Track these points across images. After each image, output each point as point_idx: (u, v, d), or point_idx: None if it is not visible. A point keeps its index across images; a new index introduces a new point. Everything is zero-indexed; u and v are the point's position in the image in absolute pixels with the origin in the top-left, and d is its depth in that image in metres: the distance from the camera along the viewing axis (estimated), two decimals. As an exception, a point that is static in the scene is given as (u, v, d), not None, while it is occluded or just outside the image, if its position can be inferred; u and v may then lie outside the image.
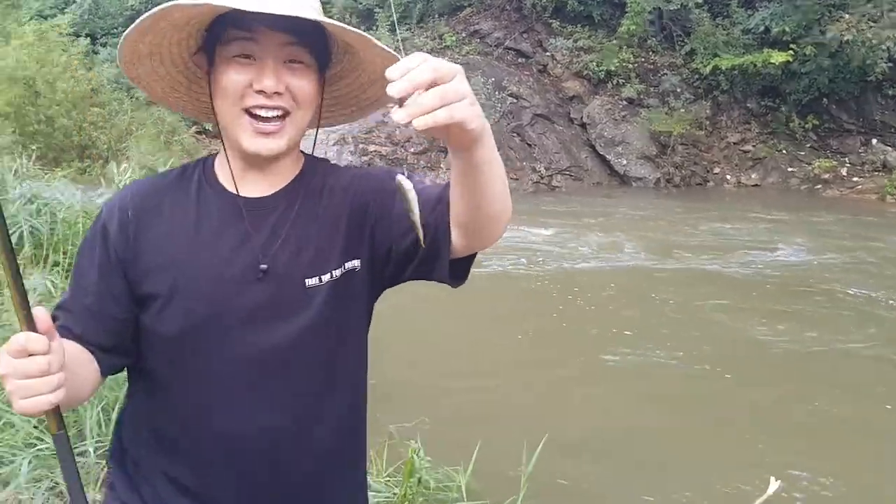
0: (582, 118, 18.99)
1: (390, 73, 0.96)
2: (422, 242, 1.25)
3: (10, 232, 4.91)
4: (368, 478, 3.86)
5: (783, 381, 6.45)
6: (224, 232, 1.37)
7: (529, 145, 18.27)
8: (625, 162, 18.22)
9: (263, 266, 1.35)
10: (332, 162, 1.58)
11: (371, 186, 1.43)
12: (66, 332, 1.29)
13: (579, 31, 20.17)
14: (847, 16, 17.01)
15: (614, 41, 19.56)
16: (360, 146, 16.36)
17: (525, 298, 9.12)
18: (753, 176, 18.45)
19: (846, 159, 18.42)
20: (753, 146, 18.79)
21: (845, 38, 16.58)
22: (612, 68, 19.09)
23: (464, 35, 20.69)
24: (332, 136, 16.35)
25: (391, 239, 1.38)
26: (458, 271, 1.38)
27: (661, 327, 7.67)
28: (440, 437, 4.81)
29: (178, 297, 1.34)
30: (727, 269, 10.30)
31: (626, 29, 19.05)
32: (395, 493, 3.66)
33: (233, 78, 1.31)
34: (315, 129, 1.48)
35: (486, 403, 5.79)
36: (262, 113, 1.31)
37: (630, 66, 19.37)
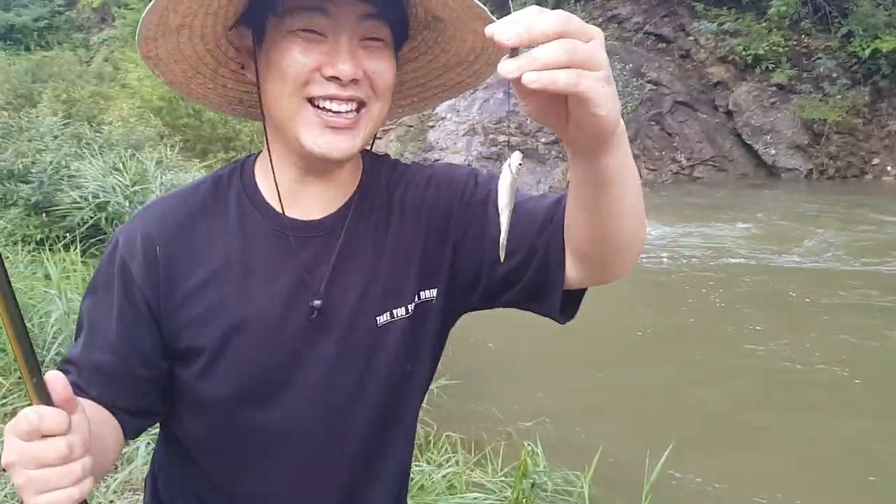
0: (727, 105, 18.14)
1: (495, 26, 0.72)
2: (502, 256, 0.97)
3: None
4: (482, 476, 3.83)
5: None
6: (278, 268, 1.16)
7: (669, 134, 17.63)
8: (774, 151, 17.27)
9: (316, 303, 1.14)
10: (395, 158, 1.34)
11: (453, 195, 1.21)
12: (78, 390, 1.05)
13: (725, 13, 19.21)
14: None
15: (763, 23, 18.51)
16: (490, 136, 16.27)
17: (653, 293, 8.80)
18: (919, 166, 16.99)
19: None
20: (918, 135, 17.30)
21: None
22: (761, 52, 18.08)
23: (601, 20, 20.16)
24: (462, 126, 16.36)
25: (481, 262, 1.17)
26: (566, 305, 1.15)
27: (802, 329, 7.21)
28: (560, 438, 4.67)
29: (229, 353, 1.14)
30: (888, 270, 9.49)
31: (776, 10, 17.98)
32: (506, 497, 3.55)
33: (297, 59, 1.06)
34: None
35: (608, 403, 5.64)
36: (334, 106, 1.07)
37: (780, 49, 18.28)
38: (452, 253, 1.20)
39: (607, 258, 1.06)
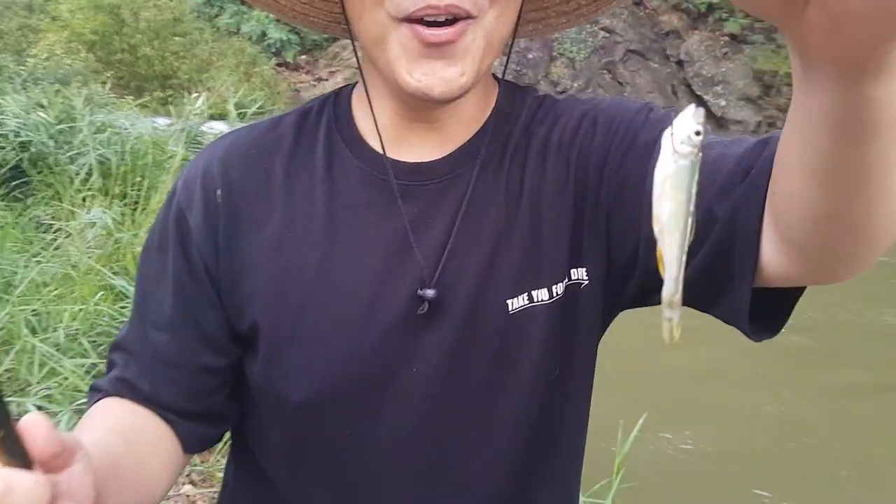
0: (679, 55, 18.11)
1: None
2: (666, 334, 0.66)
3: (79, 161, 4.88)
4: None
5: None
6: (374, 226, 0.90)
7: (620, 83, 17.57)
8: (724, 103, 17.37)
9: (429, 293, 0.87)
10: (551, 94, 1.04)
11: (613, 136, 0.90)
12: (127, 388, 0.90)
13: (681, -40, 19.10)
14: None
15: (719, -29, 18.47)
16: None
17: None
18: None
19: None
20: (868, 89, 17.63)
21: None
22: (715, 0, 18.02)
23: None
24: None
25: (637, 233, 0.85)
26: (763, 312, 0.78)
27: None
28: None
29: (303, 339, 0.89)
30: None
31: (732, -43, 17.97)
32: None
33: None
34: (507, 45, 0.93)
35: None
36: (430, 19, 0.81)
37: (734, -2, 18.32)
38: (608, 217, 0.89)
39: (842, 246, 0.69)
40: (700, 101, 17.49)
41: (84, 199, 5.59)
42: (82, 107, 6.94)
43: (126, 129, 6.63)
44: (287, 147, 0.95)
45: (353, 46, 0.94)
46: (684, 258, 0.63)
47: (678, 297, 0.64)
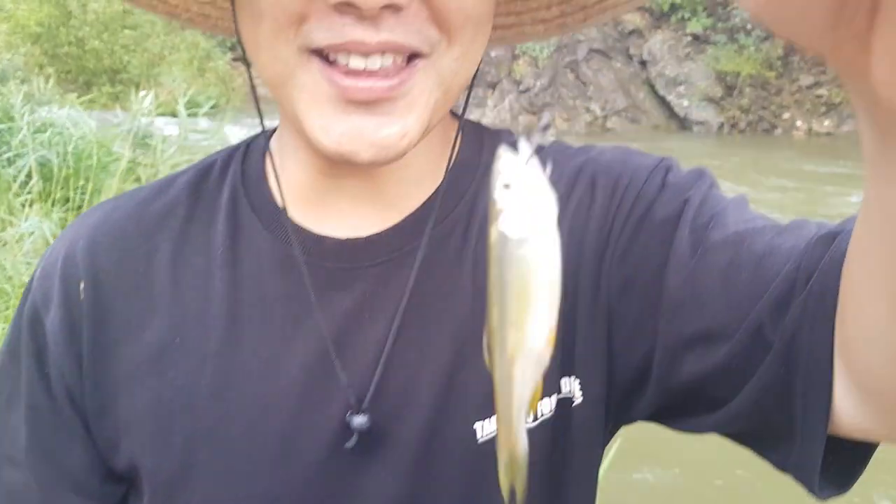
0: (642, 55, 18.21)
1: None
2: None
3: (17, 164, 4.60)
4: None
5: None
6: (293, 333, 0.70)
7: (584, 83, 17.59)
8: (686, 103, 17.52)
9: (358, 421, 0.66)
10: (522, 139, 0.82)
11: (618, 203, 0.70)
12: None
13: (643, -42, 19.29)
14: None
15: (681, -30, 18.64)
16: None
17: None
18: (826, 123, 17.56)
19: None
20: (828, 90, 17.84)
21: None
22: (678, 0, 18.15)
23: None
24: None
25: (652, 337, 0.66)
26: (835, 467, 0.60)
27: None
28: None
29: (200, 488, 0.69)
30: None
31: (695, -43, 18.11)
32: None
33: None
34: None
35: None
36: (353, 61, 0.60)
37: (697, -2, 18.50)
38: (609, 317, 0.69)
39: None
40: (663, 102, 17.60)
41: (23, 205, 5.30)
42: (21, 105, 6.60)
43: (69, 128, 6.32)
44: (177, 221, 0.74)
45: (250, 76, 0.71)
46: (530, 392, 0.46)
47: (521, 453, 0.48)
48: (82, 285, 0.71)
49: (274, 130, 0.78)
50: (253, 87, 0.73)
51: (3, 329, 3.65)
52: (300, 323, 0.69)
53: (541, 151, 0.73)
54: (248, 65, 0.70)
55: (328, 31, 0.58)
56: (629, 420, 0.74)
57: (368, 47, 0.58)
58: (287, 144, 0.73)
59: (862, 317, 0.49)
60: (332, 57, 0.60)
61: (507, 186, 0.43)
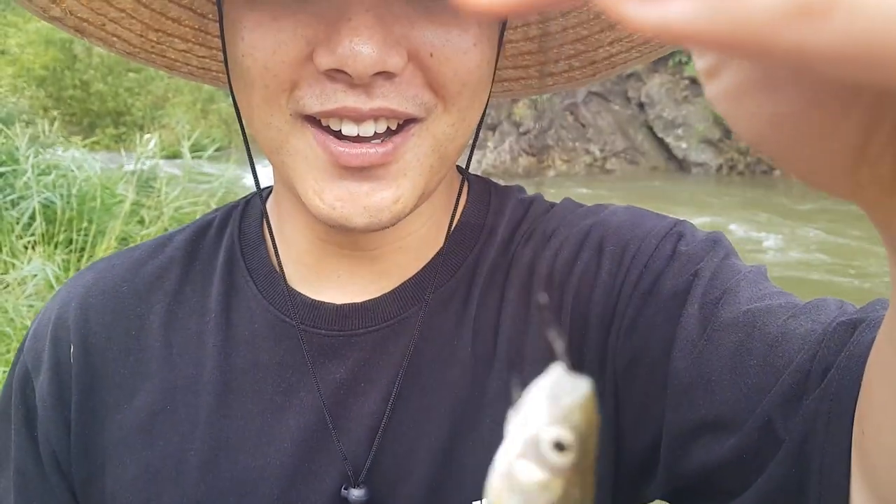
0: (640, 97, 18.37)
1: None
2: None
3: (20, 206, 4.66)
4: None
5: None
6: (287, 403, 0.68)
7: (583, 125, 17.73)
8: (685, 146, 17.59)
9: (356, 495, 0.64)
10: (533, 194, 0.78)
11: (626, 273, 0.66)
12: None
13: (641, 3, 19.55)
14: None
15: (679, 15, 18.94)
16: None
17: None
18: (824, 165, 17.70)
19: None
20: (826, 133, 18.07)
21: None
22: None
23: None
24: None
25: (657, 421, 0.62)
26: None
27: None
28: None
29: None
30: (792, 275, 9.72)
31: (692, 3, 18.42)
32: None
33: (265, 38, 0.57)
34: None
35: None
36: (346, 128, 0.59)
37: (695, 42, 18.74)
38: (615, 390, 0.65)
39: None
40: (661, 144, 17.71)
41: (26, 247, 5.35)
42: (26, 148, 6.69)
43: (73, 170, 6.39)
44: (172, 282, 0.72)
45: (244, 135, 0.69)
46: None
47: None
48: (72, 349, 0.70)
49: (271, 189, 0.77)
50: (246, 143, 0.71)
51: (4, 373, 3.69)
52: (294, 392, 0.68)
53: (549, 209, 0.74)
54: (241, 122, 0.68)
55: (319, 97, 0.57)
56: (639, 501, 0.70)
57: (361, 114, 0.57)
58: (284, 208, 0.72)
59: (881, 431, 0.43)
60: (324, 122, 0.59)
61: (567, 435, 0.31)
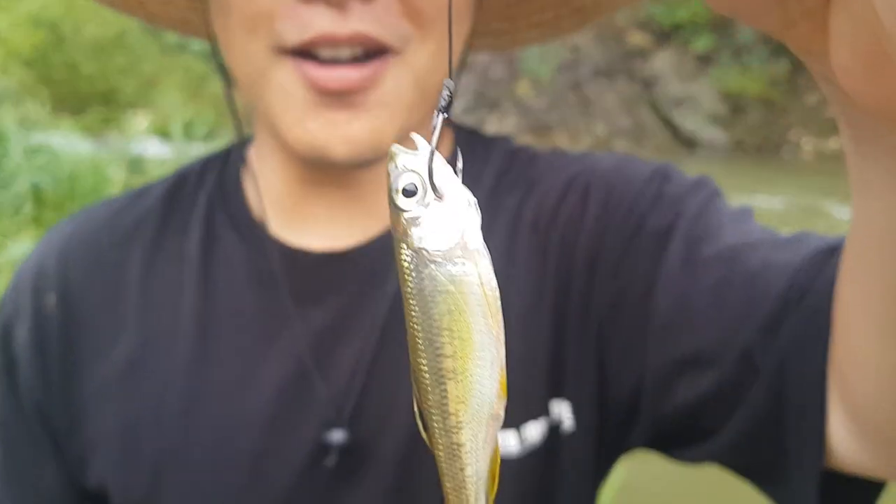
0: (645, 75, 18.31)
1: None
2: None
3: (11, 188, 4.65)
4: None
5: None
6: (267, 349, 0.69)
7: (587, 103, 17.66)
8: (691, 124, 17.55)
9: (336, 437, 0.64)
10: (521, 144, 0.79)
11: (608, 216, 0.67)
12: None
13: (646, -23, 19.43)
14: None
15: (685, -10, 18.79)
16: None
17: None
18: (833, 142, 17.60)
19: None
20: (835, 109, 18.04)
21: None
22: (681, 20, 18.24)
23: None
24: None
25: (640, 362, 0.64)
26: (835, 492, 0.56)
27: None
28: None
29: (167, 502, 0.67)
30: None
31: (698, -24, 18.26)
32: None
33: None
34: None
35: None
36: (323, 52, 0.61)
37: (701, 17, 18.58)
38: (599, 337, 0.67)
39: None
40: (667, 122, 17.66)
41: (17, 229, 5.33)
42: (15, 129, 6.65)
43: (63, 152, 6.36)
44: (150, 231, 0.73)
45: (224, 75, 0.70)
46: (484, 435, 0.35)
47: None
48: (53, 298, 0.70)
49: (244, 145, 0.77)
50: (231, 99, 0.73)
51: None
52: (276, 339, 0.68)
53: (534, 157, 0.74)
54: (226, 76, 0.70)
55: (297, 25, 0.59)
56: (624, 450, 0.72)
57: (338, 38, 0.59)
58: (264, 153, 0.73)
59: (853, 340, 0.46)
60: (310, 51, 0.61)
61: (410, 193, 0.35)
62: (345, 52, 0.60)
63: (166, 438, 0.68)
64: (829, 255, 0.54)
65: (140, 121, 6.91)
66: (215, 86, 18.01)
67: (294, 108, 0.61)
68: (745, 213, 0.66)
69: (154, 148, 7.39)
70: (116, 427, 0.68)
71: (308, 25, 0.59)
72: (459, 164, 0.38)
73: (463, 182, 0.69)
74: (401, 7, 0.60)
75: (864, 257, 0.42)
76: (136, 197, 0.77)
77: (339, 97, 0.60)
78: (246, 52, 0.62)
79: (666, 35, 18.75)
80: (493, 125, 15.86)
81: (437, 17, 0.61)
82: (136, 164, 6.84)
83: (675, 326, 0.60)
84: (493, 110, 16.46)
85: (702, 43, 18.22)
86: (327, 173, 0.69)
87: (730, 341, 0.57)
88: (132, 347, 0.69)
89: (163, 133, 8.67)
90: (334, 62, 0.60)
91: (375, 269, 0.69)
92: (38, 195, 5.84)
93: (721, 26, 18.76)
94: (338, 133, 0.61)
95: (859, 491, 0.55)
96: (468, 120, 14.31)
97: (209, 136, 8.68)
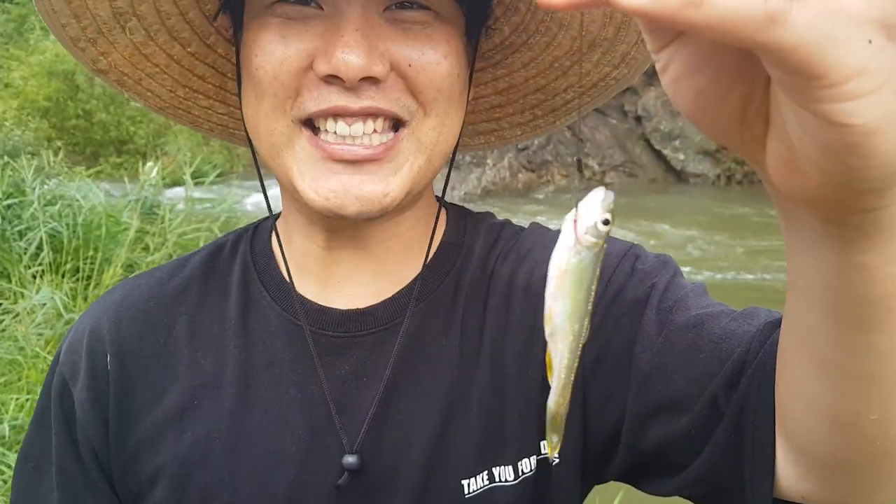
0: (636, 111, 18.45)
1: None
2: (550, 452, 0.60)
3: (28, 236, 4.71)
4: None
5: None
6: (300, 394, 0.78)
7: (581, 140, 17.79)
8: (682, 157, 17.65)
9: (349, 460, 0.74)
10: (502, 219, 0.90)
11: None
12: None
13: (634, 18, 19.65)
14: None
15: (672, 29, 19.04)
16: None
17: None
18: (821, 172, 17.76)
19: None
20: (822, 140, 18.11)
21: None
22: (670, 58, 18.55)
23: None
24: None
25: (621, 407, 0.74)
26: None
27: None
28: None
29: None
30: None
31: (684, 16, 18.52)
32: None
33: (272, 52, 0.70)
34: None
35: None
36: (339, 128, 0.70)
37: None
38: (583, 388, 0.76)
39: (862, 462, 0.56)
40: (659, 156, 17.78)
41: (34, 276, 5.41)
42: (32, 179, 6.76)
43: (78, 200, 6.46)
44: (193, 295, 0.83)
45: (257, 164, 0.82)
46: (576, 366, 0.55)
47: (563, 410, 0.56)
48: (108, 358, 0.79)
49: (279, 215, 0.87)
50: (256, 163, 0.84)
51: (18, 400, 3.73)
52: (305, 386, 0.78)
53: (520, 232, 0.86)
54: (257, 162, 0.82)
55: (317, 99, 0.69)
56: (602, 480, 0.81)
57: (351, 111, 0.69)
58: (290, 224, 0.82)
59: (788, 379, 0.57)
60: (320, 126, 0.71)
61: (609, 213, 0.55)
62: (357, 129, 0.70)
63: (213, 473, 0.76)
64: (777, 325, 0.64)
65: (152, 168, 7.00)
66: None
67: (312, 170, 0.71)
68: (702, 289, 0.77)
69: (167, 193, 7.48)
70: (168, 463, 0.77)
71: (326, 99, 0.69)
72: (612, 212, 0.56)
73: (457, 253, 0.82)
74: (405, 86, 0.71)
75: (793, 306, 0.53)
76: (177, 267, 0.86)
77: (352, 164, 0.71)
78: (272, 126, 0.72)
79: (655, 73, 18.96)
80: (491, 161, 15.99)
81: (434, 97, 0.73)
82: (149, 210, 6.93)
83: (653, 379, 0.71)
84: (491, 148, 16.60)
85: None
86: (341, 231, 0.79)
87: (699, 392, 0.67)
88: (183, 395, 0.79)
89: (174, 179, 8.78)
90: (347, 137, 0.70)
91: (387, 326, 0.80)
92: (54, 242, 5.92)
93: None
94: (351, 194, 0.70)
95: None
96: (466, 157, 14.25)
97: (219, 179, 8.78)
